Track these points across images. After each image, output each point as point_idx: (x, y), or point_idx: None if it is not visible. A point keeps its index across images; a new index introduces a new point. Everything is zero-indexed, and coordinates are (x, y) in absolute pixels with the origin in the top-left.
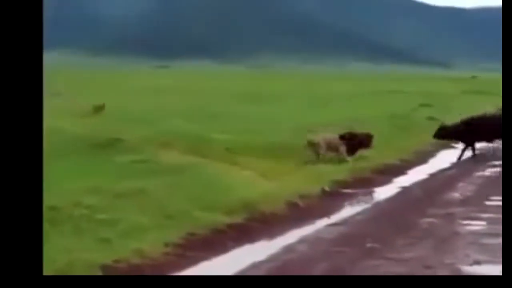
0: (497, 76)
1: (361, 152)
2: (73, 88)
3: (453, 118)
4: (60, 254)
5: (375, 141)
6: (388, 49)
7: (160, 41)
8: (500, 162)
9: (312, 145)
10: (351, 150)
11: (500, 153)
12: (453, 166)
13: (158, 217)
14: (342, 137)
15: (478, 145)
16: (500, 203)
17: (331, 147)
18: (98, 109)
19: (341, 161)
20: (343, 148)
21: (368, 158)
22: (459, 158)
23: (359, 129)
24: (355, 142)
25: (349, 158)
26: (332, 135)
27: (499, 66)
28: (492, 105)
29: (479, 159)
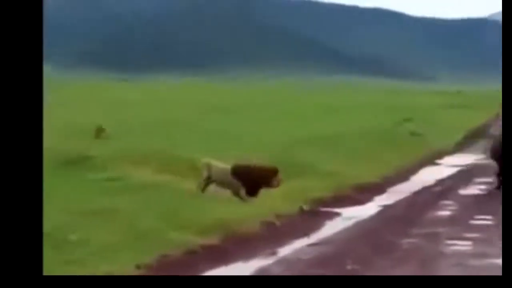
0: (483, 90)
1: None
2: None
3: (437, 133)
4: None
5: (279, 177)
6: (363, 61)
7: (125, 54)
8: (485, 180)
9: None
10: (250, 190)
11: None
12: (437, 183)
13: (129, 237)
14: (234, 172)
15: (463, 161)
16: (486, 222)
17: (220, 181)
18: (100, 132)
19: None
20: (239, 187)
21: (347, 175)
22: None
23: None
24: (253, 178)
25: (248, 199)
26: (224, 167)
27: (484, 79)
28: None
29: (464, 176)
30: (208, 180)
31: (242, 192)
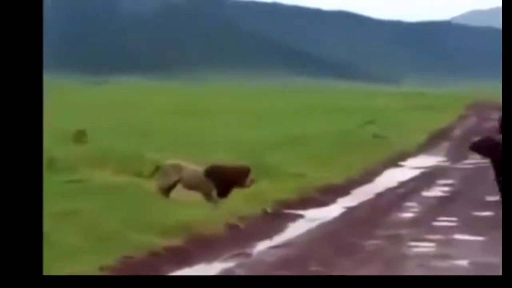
0: (446, 92)
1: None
2: None
3: (400, 135)
4: None
5: (251, 177)
6: (326, 63)
7: (94, 56)
8: (448, 181)
9: (165, 174)
10: (222, 191)
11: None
12: (400, 185)
13: (92, 239)
14: (207, 173)
15: (426, 163)
16: (448, 223)
17: (191, 183)
18: (79, 136)
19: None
20: (211, 188)
21: (311, 177)
22: None
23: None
24: (226, 179)
25: (219, 200)
26: (195, 168)
27: (446, 81)
28: (440, 121)
29: (427, 178)
30: (175, 183)
31: (214, 193)
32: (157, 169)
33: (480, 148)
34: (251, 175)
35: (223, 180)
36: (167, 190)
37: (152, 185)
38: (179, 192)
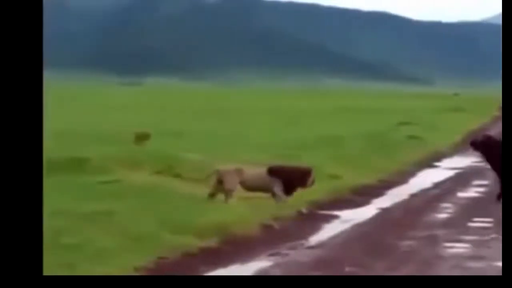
0: (479, 93)
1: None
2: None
3: (434, 136)
4: None
5: (313, 177)
6: (363, 64)
7: (127, 58)
8: (483, 182)
9: (218, 178)
10: (287, 189)
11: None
12: (435, 186)
13: (126, 240)
14: (271, 172)
15: (461, 164)
16: (483, 224)
17: (254, 185)
18: (142, 138)
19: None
20: (277, 186)
21: (346, 178)
22: None
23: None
24: (290, 178)
25: (285, 198)
26: (257, 169)
27: (480, 82)
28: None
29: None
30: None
31: (279, 190)
32: (215, 173)
33: (478, 145)
34: (313, 176)
35: (287, 180)
36: (228, 193)
37: (186, 186)
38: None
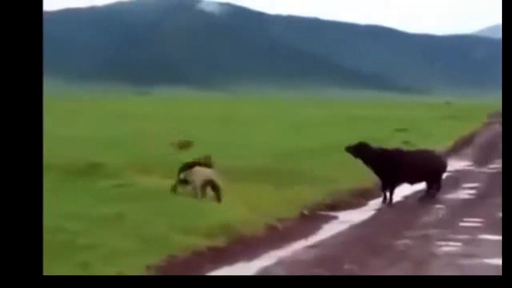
0: (471, 102)
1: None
2: (54, 116)
3: (427, 142)
4: None
5: None
6: (360, 75)
7: (139, 68)
8: (473, 185)
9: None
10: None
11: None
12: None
13: (138, 241)
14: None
15: (452, 167)
16: (473, 224)
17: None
18: (185, 145)
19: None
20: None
21: (344, 181)
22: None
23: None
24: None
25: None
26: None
27: (473, 92)
28: (466, 129)
29: (452, 183)
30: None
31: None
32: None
33: (351, 150)
34: None
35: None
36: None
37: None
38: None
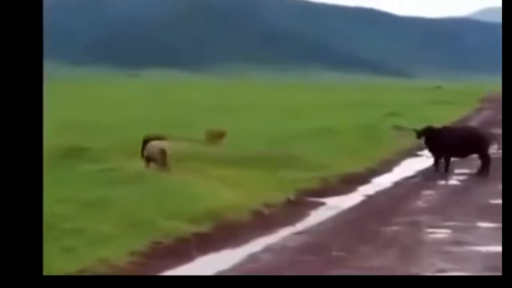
0: (462, 86)
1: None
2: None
3: (418, 126)
4: None
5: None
6: (351, 58)
7: (132, 50)
8: (463, 171)
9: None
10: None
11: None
12: (417, 174)
13: (123, 226)
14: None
15: None
16: (463, 210)
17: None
18: (217, 136)
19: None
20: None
21: (334, 166)
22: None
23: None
24: None
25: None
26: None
27: (463, 76)
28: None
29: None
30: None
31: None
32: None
33: None
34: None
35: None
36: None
37: (184, 175)
38: None
